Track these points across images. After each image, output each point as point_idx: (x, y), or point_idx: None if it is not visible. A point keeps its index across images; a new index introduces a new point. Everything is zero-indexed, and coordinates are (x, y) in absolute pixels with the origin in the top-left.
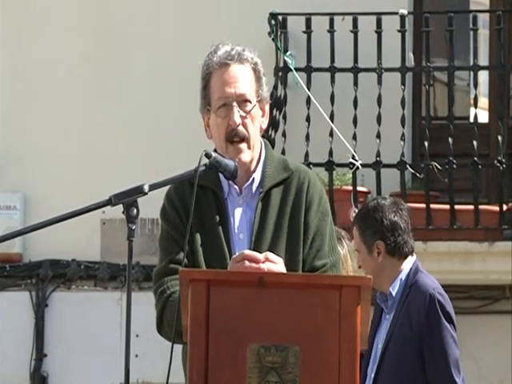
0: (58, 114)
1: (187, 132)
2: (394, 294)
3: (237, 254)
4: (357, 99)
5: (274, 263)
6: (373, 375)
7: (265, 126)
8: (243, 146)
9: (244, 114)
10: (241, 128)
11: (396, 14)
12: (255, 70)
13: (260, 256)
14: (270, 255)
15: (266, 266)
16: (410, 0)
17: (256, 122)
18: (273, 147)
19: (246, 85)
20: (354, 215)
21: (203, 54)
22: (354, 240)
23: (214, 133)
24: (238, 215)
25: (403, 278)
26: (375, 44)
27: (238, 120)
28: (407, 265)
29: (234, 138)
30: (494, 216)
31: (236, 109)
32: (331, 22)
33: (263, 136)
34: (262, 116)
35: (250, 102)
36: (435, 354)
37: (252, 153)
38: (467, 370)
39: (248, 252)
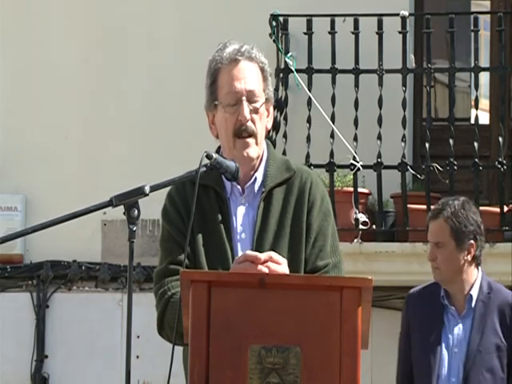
0: (58, 115)
1: (188, 132)
2: (474, 300)
3: (239, 255)
4: (358, 100)
5: (278, 263)
6: (454, 380)
7: (269, 126)
8: (251, 140)
9: (253, 110)
10: (250, 124)
11: (397, 15)
12: (263, 70)
13: (262, 256)
14: (274, 255)
15: (267, 267)
16: (411, 1)
17: (263, 119)
18: (274, 148)
19: (254, 81)
20: (437, 207)
21: (204, 54)
22: (432, 232)
23: (221, 128)
24: (240, 214)
25: (480, 286)
26: (376, 45)
27: (247, 115)
28: (480, 273)
29: (243, 133)
30: (495, 217)
31: (246, 103)
32: (332, 23)
33: (264, 136)
34: (267, 116)
35: (258, 99)
36: None
37: (259, 150)
38: None
39: (250, 252)
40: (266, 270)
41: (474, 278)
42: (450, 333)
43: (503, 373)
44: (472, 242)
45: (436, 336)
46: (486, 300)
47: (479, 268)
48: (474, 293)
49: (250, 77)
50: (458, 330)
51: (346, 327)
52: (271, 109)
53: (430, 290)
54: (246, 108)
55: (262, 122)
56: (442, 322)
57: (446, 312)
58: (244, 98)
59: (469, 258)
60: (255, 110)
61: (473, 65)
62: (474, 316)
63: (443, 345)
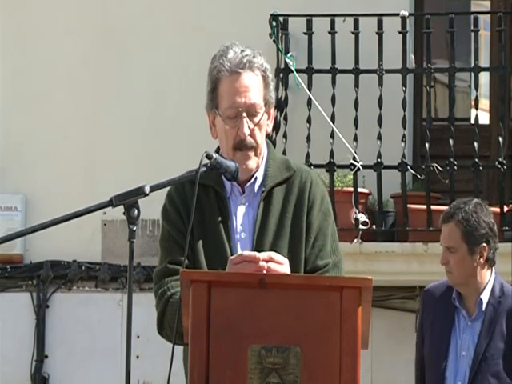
0: (58, 115)
1: (188, 132)
2: (484, 303)
3: (234, 255)
4: (358, 100)
5: (279, 263)
6: (459, 383)
7: (270, 129)
8: (251, 153)
9: (253, 126)
10: (249, 138)
11: (397, 15)
12: (264, 77)
13: (260, 255)
14: (275, 255)
15: (267, 266)
16: (411, 1)
17: (263, 129)
18: (274, 148)
19: (255, 94)
20: (449, 211)
21: (204, 55)
22: (444, 236)
23: (221, 137)
24: (240, 214)
25: (491, 288)
26: (376, 45)
27: (247, 131)
28: (493, 274)
29: (243, 147)
30: (495, 217)
31: (245, 120)
32: (332, 23)
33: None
34: (268, 119)
35: (259, 112)
36: None
37: (258, 160)
38: None
39: (246, 253)
40: (265, 265)
41: (487, 280)
42: (459, 335)
43: (509, 378)
44: (484, 245)
45: (446, 336)
46: (497, 305)
47: (493, 270)
48: (485, 297)
49: (251, 90)
50: (467, 333)
51: (346, 327)
52: (272, 111)
53: (445, 287)
54: (246, 124)
55: (262, 133)
56: (453, 323)
57: (458, 313)
58: (244, 113)
59: (481, 261)
60: (255, 124)
61: (473, 65)
62: (484, 320)
63: (451, 347)
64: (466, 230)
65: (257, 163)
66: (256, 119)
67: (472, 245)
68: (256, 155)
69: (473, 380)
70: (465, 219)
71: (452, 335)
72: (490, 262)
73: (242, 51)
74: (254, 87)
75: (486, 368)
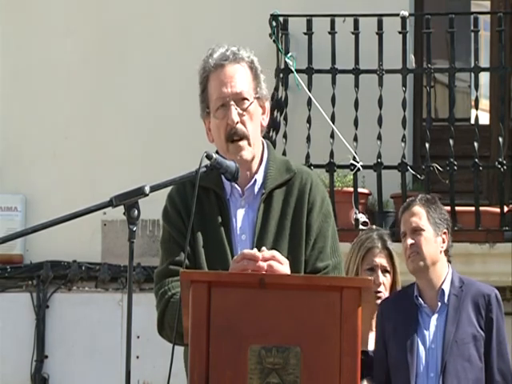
0: (58, 115)
1: (188, 133)
2: (446, 293)
3: (237, 255)
4: (358, 101)
5: (280, 263)
6: (432, 375)
7: (265, 123)
8: (243, 143)
9: (242, 112)
10: (240, 126)
11: (397, 15)
12: (252, 68)
13: (260, 254)
14: (277, 255)
15: (266, 264)
16: (411, 1)
17: (255, 119)
18: (274, 149)
19: (242, 83)
20: (408, 200)
21: (204, 55)
22: (409, 220)
23: (215, 135)
24: (240, 216)
25: (451, 280)
26: (376, 45)
27: (236, 118)
28: (451, 269)
29: (234, 136)
30: (495, 217)
31: (233, 107)
32: (332, 23)
33: (264, 137)
34: (263, 113)
35: (247, 99)
36: (503, 349)
37: (253, 150)
38: None
39: (247, 251)
40: (264, 265)
41: (445, 272)
42: (426, 330)
43: (481, 362)
44: (445, 231)
45: (411, 336)
46: (459, 293)
47: (449, 264)
48: (446, 287)
49: (236, 79)
50: (433, 326)
51: (346, 327)
52: (267, 104)
53: (403, 294)
54: (234, 111)
55: (253, 122)
56: (417, 322)
57: (420, 311)
58: (232, 101)
59: (444, 247)
60: (244, 111)
61: (473, 65)
62: (448, 310)
63: (419, 343)
64: (430, 212)
65: (252, 154)
66: (245, 106)
67: (436, 227)
68: (250, 145)
69: (445, 367)
70: (427, 202)
71: (418, 332)
72: (447, 256)
73: (227, 49)
74: (239, 76)
75: (457, 353)
